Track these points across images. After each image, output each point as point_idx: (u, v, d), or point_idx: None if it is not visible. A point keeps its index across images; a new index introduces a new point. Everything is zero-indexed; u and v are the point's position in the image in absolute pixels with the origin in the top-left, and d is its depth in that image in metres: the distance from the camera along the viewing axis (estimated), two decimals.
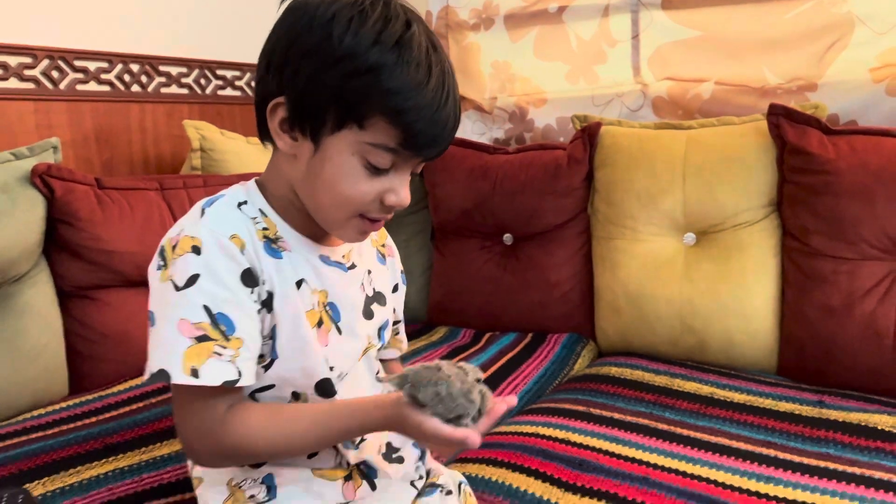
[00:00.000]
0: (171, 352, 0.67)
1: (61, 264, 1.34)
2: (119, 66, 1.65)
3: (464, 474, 0.98)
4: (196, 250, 0.68)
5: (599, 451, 1.04)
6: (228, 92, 1.92)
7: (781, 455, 1.03)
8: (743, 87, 1.62)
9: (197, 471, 0.82)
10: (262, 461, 0.78)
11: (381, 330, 0.89)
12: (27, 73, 1.49)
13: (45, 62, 1.52)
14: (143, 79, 1.71)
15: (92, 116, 1.61)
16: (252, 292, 0.71)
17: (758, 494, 0.92)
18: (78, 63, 1.58)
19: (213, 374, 0.68)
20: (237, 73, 1.93)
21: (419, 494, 0.88)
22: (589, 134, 1.62)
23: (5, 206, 1.23)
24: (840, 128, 1.39)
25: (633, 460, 1.02)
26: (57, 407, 1.22)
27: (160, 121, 1.75)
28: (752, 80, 1.60)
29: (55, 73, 1.54)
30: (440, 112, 0.69)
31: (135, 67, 1.68)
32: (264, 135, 0.76)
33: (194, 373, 0.66)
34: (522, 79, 1.96)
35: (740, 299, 1.40)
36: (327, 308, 0.79)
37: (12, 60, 1.46)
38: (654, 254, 1.51)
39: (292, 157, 0.73)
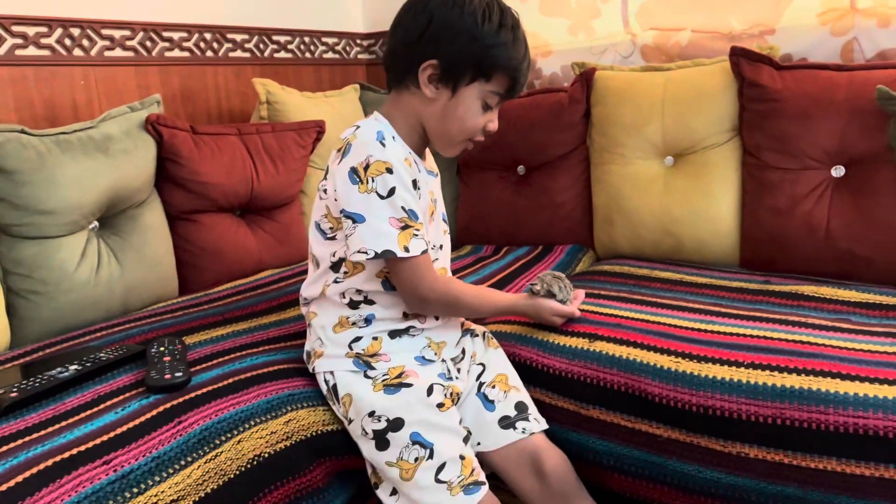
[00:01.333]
0: (389, 238, 1.06)
1: (169, 193, 1.70)
2: (196, 36, 2.01)
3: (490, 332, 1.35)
4: (389, 171, 1.06)
5: (587, 311, 1.39)
6: (283, 55, 2.27)
7: (725, 309, 1.37)
8: (714, 34, 1.92)
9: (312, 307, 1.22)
10: (457, 314, 1.25)
11: (444, 219, 1.30)
12: (128, 43, 1.85)
13: (141, 34, 1.88)
14: (215, 45, 2.06)
15: (178, 78, 1.97)
16: (416, 193, 1.10)
17: (702, 330, 1.26)
18: (166, 34, 1.93)
19: (417, 247, 1.07)
20: (289, 38, 2.28)
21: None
22: (586, 78, 1.95)
23: (129, 147, 1.59)
24: (787, 64, 1.70)
25: (612, 316, 1.37)
26: (177, 300, 1.61)
27: (230, 80, 2.10)
28: (721, 28, 1.91)
29: (149, 43, 1.90)
30: (528, 72, 1.11)
31: (208, 36, 2.04)
32: (397, 83, 1.12)
33: (406, 249, 1.06)
34: (531, 34, 2.27)
35: (709, 207, 1.73)
36: (434, 202, 1.19)
37: (116, 34, 1.83)
38: (640, 174, 1.84)
39: (430, 101, 1.10)
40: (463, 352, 1.26)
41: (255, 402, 1.08)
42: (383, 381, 1.12)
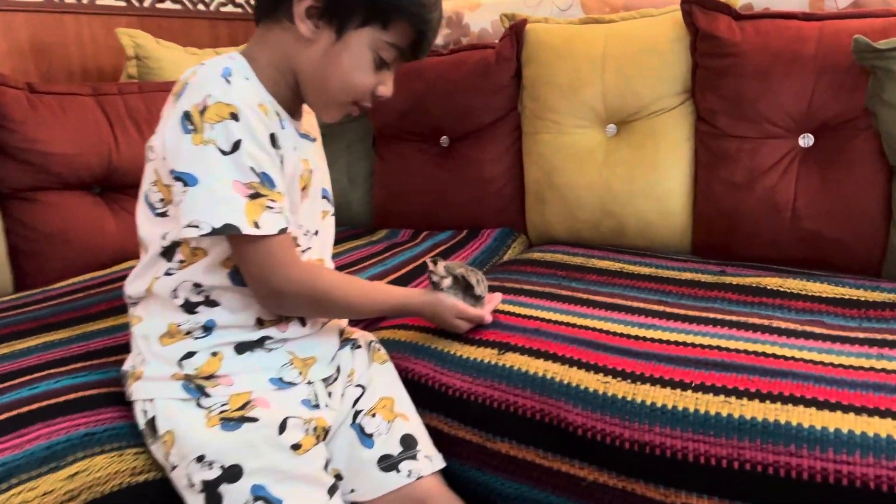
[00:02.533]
0: (232, 209, 0.78)
1: None
2: None
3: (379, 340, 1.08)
4: (234, 117, 0.78)
5: (502, 312, 1.12)
6: (168, 5, 1.93)
7: (669, 310, 1.11)
8: None
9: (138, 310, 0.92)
10: (327, 315, 0.97)
11: (329, 199, 1.03)
12: None
13: None
14: None
15: (26, 27, 1.63)
16: (276, 154, 0.84)
17: (641, 338, 1.00)
18: None
19: (272, 223, 0.81)
20: None
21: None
22: (516, 32, 1.66)
23: None
24: (748, 13, 1.44)
25: (532, 318, 1.10)
26: (5, 298, 1.29)
27: (98, 33, 1.77)
28: None
29: None
30: (438, 26, 0.88)
31: None
32: (266, 15, 0.86)
33: (256, 225, 0.79)
34: None
35: (655, 182, 1.47)
36: (310, 173, 0.93)
37: None
38: (576, 145, 1.57)
39: (306, 42, 0.84)
40: (338, 370, 0.97)
41: (29, 450, 0.79)
42: (221, 412, 0.85)
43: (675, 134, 1.47)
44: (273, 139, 0.83)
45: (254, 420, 0.84)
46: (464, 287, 1.03)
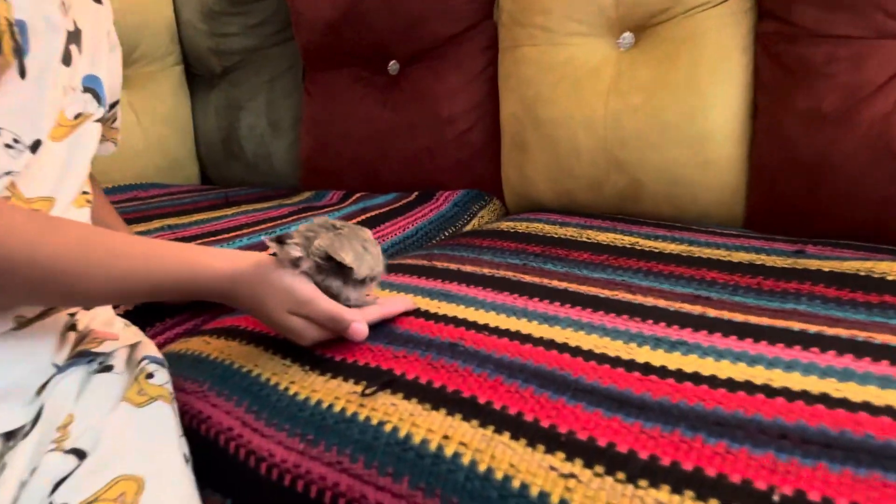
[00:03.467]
0: None
1: None
2: None
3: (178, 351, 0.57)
4: None
5: (414, 314, 0.62)
6: None
7: (713, 313, 0.59)
8: None
9: None
10: (48, 301, 0.51)
11: (96, 93, 0.59)
12: None
13: None
14: None
15: None
16: None
17: (646, 367, 0.48)
18: None
19: None
20: None
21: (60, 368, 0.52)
22: None
23: None
24: None
25: (445, 320, 0.59)
26: None
27: None
28: None
29: None
30: None
31: None
32: None
33: None
34: None
35: (691, 115, 0.94)
36: (13, 29, 0.48)
37: None
38: (573, 63, 1.04)
39: None
40: (38, 415, 0.48)
41: None
42: None
43: (723, 41, 0.95)
44: None
45: None
46: (337, 266, 0.53)
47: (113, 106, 0.69)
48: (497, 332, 0.57)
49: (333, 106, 1.31)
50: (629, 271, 0.73)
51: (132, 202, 1.25)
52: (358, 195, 1.23)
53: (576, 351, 0.52)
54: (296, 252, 0.52)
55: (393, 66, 1.26)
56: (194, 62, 1.57)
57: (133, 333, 0.61)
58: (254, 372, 0.57)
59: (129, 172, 1.42)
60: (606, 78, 1.01)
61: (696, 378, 0.47)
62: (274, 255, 0.54)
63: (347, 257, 0.53)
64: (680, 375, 0.47)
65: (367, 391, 0.50)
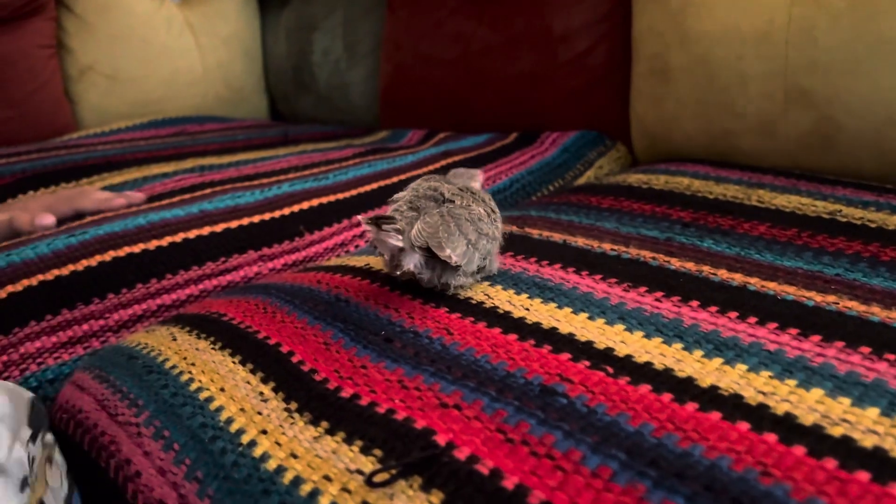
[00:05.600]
0: None
1: None
2: None
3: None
4: None
5: (484, 320, 0.37)
6: None
7: None
8: None
9: None
10: None
11: None
12: None
13: None
14: None
15: None
16: None
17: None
18: None
19: None
20: None
21: None
22: None
23: None
24: None
25: (541, 335, 0.34)
26: None
27: None
28: None
29: None
30: None
31: None
32: None
33: None
34: None
35: None
36: None
37: None
38: None
39: None
40: None
41: None
42: None
43: None
44: None
45: None
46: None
47: None
48: (633, 371, 0.32)
49: (418, 22, 1.06)
50: (842, 258, 0.45)
51: (176, 137, 1.05)
52: (443, 135, 0.98)
53: (782, 424, 0.26)
54: (396, 241, 0.38)
55: None
56: None
57: None
58: (213, 403, 0.35)
59: (186, 103, 1.23)
60: None
61: None
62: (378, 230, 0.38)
63: (455, 252, 0.38)
64: None
65: (378, 475, 0.27)
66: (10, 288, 0.53)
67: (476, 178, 0.48)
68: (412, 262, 0.39)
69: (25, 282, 0.53)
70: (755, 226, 0.52)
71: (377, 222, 0.37)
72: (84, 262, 0.56)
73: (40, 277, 0.54)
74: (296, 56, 1.28)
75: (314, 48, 1.24)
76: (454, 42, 1.01)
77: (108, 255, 0.57)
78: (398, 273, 0.39)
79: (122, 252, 0.58)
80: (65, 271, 0.55)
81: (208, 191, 0.73)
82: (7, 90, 1.05)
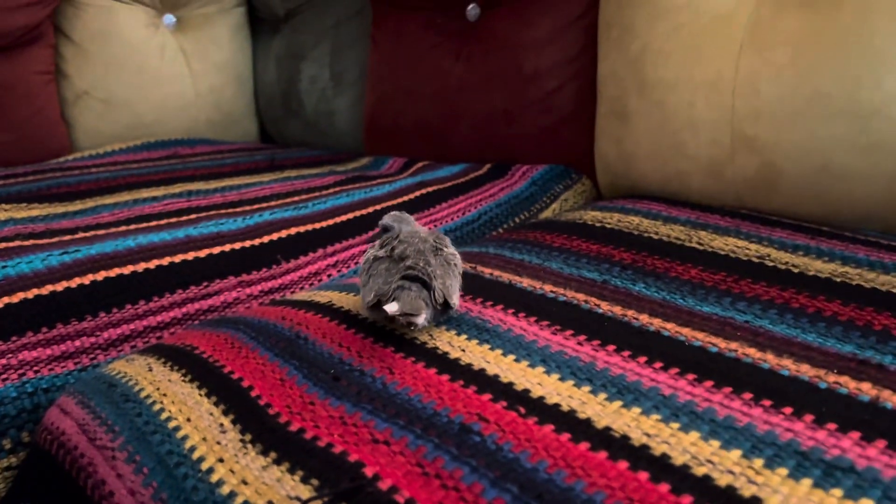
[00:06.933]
0: None
1: None
2: None
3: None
4: None
5: (423, 360, 0.42)
6: None
7: None
8: None
9: None
10: None
11: None
12: None
13: None
14: None
15: None
16: None
17: None
18: None
19: None
20: None
21: None
22: None
23: None
24: None
25: (469, 376, 0.39)
26: None
27: None
28: None
29: None
30: None
31: None
32: None
33: None
34: None
35: (856, 82, 0.68)
36: None
37: None
38: (695, 7, 0.80)
39: None
40: None
41: None
42: None
43: None
44: None
45: None
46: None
47: None
48: (542, 411, 0.36)
49: (400, 56, 1.11)
50: (756, 304, 0.50)
51: (168, 160, 1.10)
52: (420, 164, 1.03)
53: (655, 463, 0.31)
54: (423, 319, 0.42)
55: (472, 9, 1.04)
56: (257, 3, 1.40)
57: None
58: (180, 432, 0.39)
59: (177, 125, 1.28)
60: (739, 27, 0.76)
61: None
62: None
63: (452, 300, 0.45)
64: None
65: (312, 502, 0.31)
66: (6, 299, 0.57)
67: (413, 222, 0.52)
68: (427, 317, 0.43)
69: (21, 294, 0.58)
70: (688, 269, 0.57)
71: (407, 315, 0.41)
72: (77, 280, 0.61)
73: (36, 291, 0.59)
74: (285, 83, 1.34)
75: (302, 76, 1.29)
76: (432, 77, 1.06)
77: (101, 275, 0.62)
78: (410, 328, 0.44)
79: (113, 273, 0.62)
80: (59, 287, 0.60)
81: (194, 216, 0.78)
82: (6, 115, 1.10)
